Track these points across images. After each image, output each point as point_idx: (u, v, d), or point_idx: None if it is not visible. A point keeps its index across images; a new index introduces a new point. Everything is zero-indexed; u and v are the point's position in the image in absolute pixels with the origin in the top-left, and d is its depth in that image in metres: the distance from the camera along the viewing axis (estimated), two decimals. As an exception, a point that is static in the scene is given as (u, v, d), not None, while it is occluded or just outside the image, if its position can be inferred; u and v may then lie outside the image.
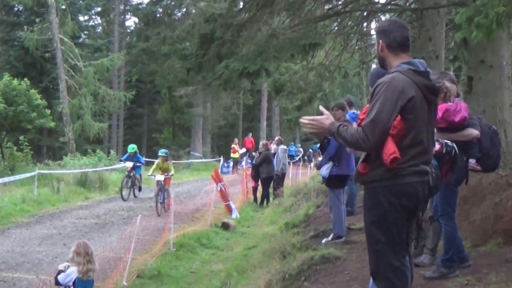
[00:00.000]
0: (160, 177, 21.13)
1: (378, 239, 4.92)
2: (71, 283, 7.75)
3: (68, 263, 7.97)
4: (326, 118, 5.16)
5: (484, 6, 9.33)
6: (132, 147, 25.59)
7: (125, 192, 24.20)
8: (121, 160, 27.73)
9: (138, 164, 25.17)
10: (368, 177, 4.97)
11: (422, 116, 4.88)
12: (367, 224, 5.08)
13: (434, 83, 5.03)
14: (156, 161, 23.16)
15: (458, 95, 7.73)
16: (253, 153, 35.33)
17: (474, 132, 7.35)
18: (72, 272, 7.77)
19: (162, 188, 20.79)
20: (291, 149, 48.62)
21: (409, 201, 4.90)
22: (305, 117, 5.29)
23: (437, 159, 5.79)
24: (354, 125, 5.65)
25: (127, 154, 25.85)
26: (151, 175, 22.02)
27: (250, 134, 48.63)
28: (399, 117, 4.74)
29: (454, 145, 6.10)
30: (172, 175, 22.52)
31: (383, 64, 5.24)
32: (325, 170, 11.11)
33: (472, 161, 7.49)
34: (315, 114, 19.13)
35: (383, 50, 5.14)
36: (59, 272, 7.81)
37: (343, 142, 5.10)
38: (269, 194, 24.18)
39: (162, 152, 23.08)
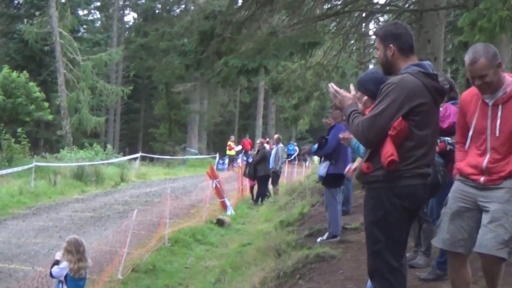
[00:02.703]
0: None
1: (378, 239, 4.91)
2: (63, 278, 7.75)
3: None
4: (350, 98, 5.12)
5: (487, 10, 9.38)
6: None
7: None
8: None
9: None
10: (371, 177, 4.94)
11: (429, 118, 4.87)
12: (367, 224, 5.06)
13: (442, 85, 5.06)
14: None
15: (452, 99, 7.67)
16: (249, 152, 35.37)
17: None
18: (65, 268, 7.74)
19: None
20: (290, 147, 48.68)
21: (411, 203, 4.91)
22: (334, 86, 5.25)
23: (442, 156, 5.82)
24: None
25: None
26: None
27: (248, 136, 48.63)
28: (400, 118, 4.70)
29: None
30: None
31: (390, 69, 5.11)
32: (323, 169, 11.14)
33: None
34: (312, 113, 19.01)
35: (394, 54, 5.02)
36: (56, 262, 7.80)
37: (349, 128, 5.16)
38: (268, 190, 24.24)
39: None
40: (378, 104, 4.81)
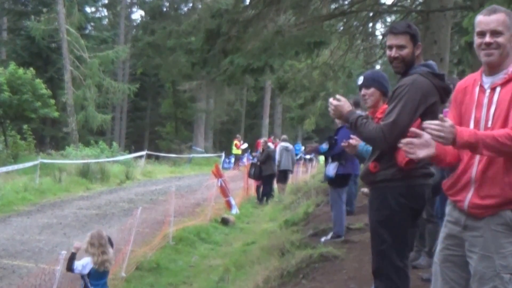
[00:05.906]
0: None
1: (384, 239, 4.94)
2: (86, 272, 7.76)
3: (79, 248, 7.95)
4: (342, 105, 5.09)
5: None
6: None
7: None
8: None
9: None
10: (378, 176, 4.98)
11: (436, 117, 4.85)
12: (373, 224, 5.09)
13: (449, 85, 5.07)
14: None
15: None
16: (253, 153, 35.40)
17: None
18: (88, 263, 7.78)
19: None
20: (297, 148, 48.48)
21: (417, 203, 4.95)
22: (332, 98, 5.21)
23: None
24: None
25: None
26: None
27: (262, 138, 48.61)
28: (419, 119, 4.70)
29: None
30: None
31: (409, 68, 5.03)
32: (332, 169, 11.11)
33: None
34: (318, 113, 19.03)
35: (420, 53, 5.09)
36: (73, 255, 7.81)
37: (358, 134, 5.14)
38: (272, 190, 24.22)
39: None
40: (395, 107, 4.84)
